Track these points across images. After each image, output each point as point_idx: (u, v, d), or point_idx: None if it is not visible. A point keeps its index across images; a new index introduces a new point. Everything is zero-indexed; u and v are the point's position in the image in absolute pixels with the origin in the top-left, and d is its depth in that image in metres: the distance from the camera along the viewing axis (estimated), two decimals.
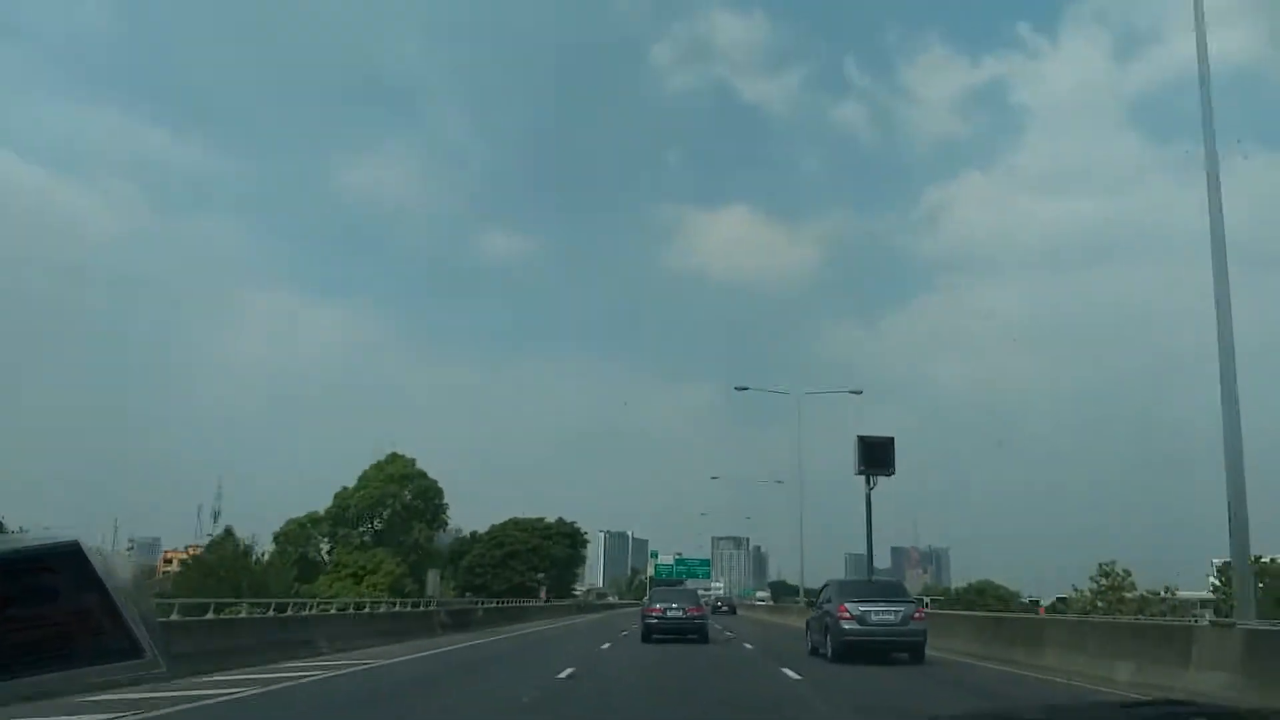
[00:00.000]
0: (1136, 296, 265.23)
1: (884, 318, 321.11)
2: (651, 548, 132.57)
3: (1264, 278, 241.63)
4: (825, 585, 18.68)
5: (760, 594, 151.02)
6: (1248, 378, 13.99)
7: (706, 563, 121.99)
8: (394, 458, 63.39)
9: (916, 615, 16.70)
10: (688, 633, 23.60)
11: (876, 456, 23.60)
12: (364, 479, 61.98)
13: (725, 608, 69.14)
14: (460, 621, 31.98)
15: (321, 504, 62.35)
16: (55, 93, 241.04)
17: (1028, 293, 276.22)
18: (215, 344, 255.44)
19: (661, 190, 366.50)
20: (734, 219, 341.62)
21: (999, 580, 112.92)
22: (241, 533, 38.61)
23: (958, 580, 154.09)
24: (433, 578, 40.13)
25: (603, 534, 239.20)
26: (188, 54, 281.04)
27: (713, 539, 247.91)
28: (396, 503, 61.72)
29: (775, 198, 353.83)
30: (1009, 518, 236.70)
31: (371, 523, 61.61)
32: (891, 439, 23.91)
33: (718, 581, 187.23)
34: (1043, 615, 34.58)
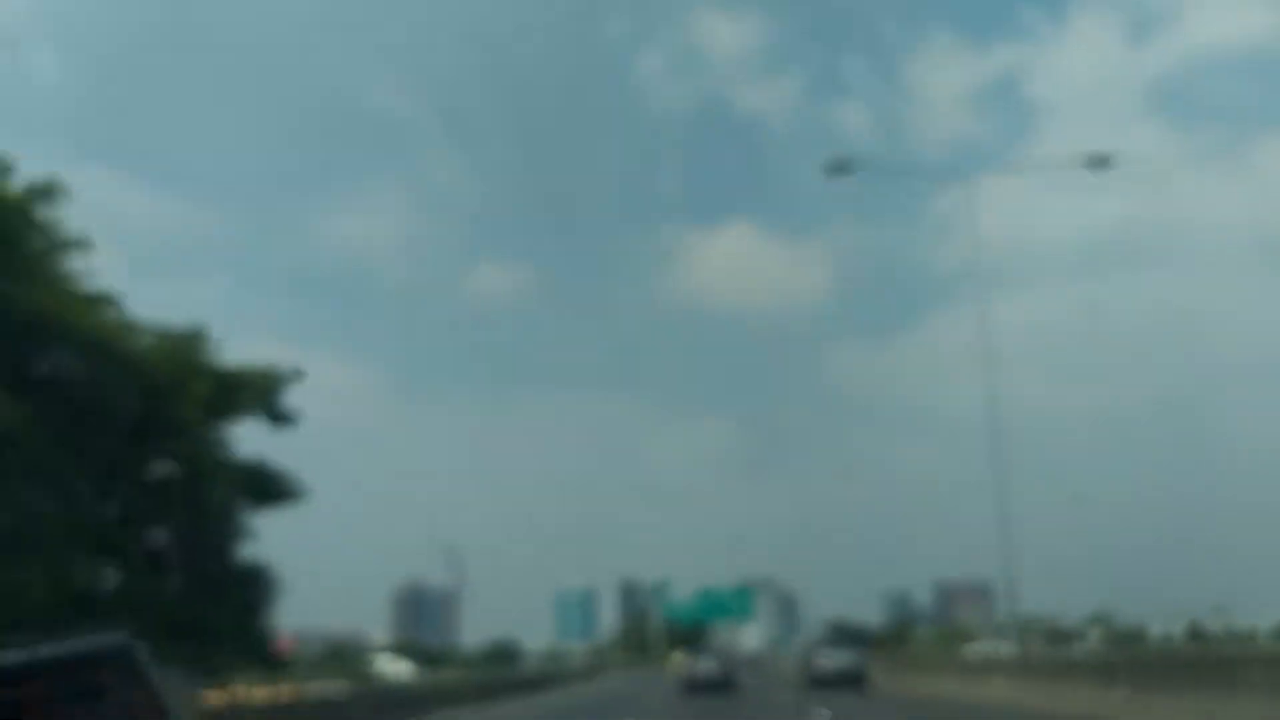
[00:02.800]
0: (1167, 300, 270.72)
1: (899, 333, 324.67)
2: (667, 594, 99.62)
3: None
4: (810, 642, 30.76)
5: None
6: None
7: (745, 594, 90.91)
8: None
9: (860, 657, 28.54)
10: (719, 686, 29.87)
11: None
12: None
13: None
14: None
15: None
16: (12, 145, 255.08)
17: (1051, 300, 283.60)
18: None
19: (658, 210, 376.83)
20: (735, 238, 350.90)
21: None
22: None
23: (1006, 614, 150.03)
24: None
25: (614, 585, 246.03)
26: (161, 106, 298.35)
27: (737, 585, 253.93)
28: None
29: (777, 212, 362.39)
30: (1048, 542, 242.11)
31: None
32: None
33: (748, 625, 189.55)
34: None
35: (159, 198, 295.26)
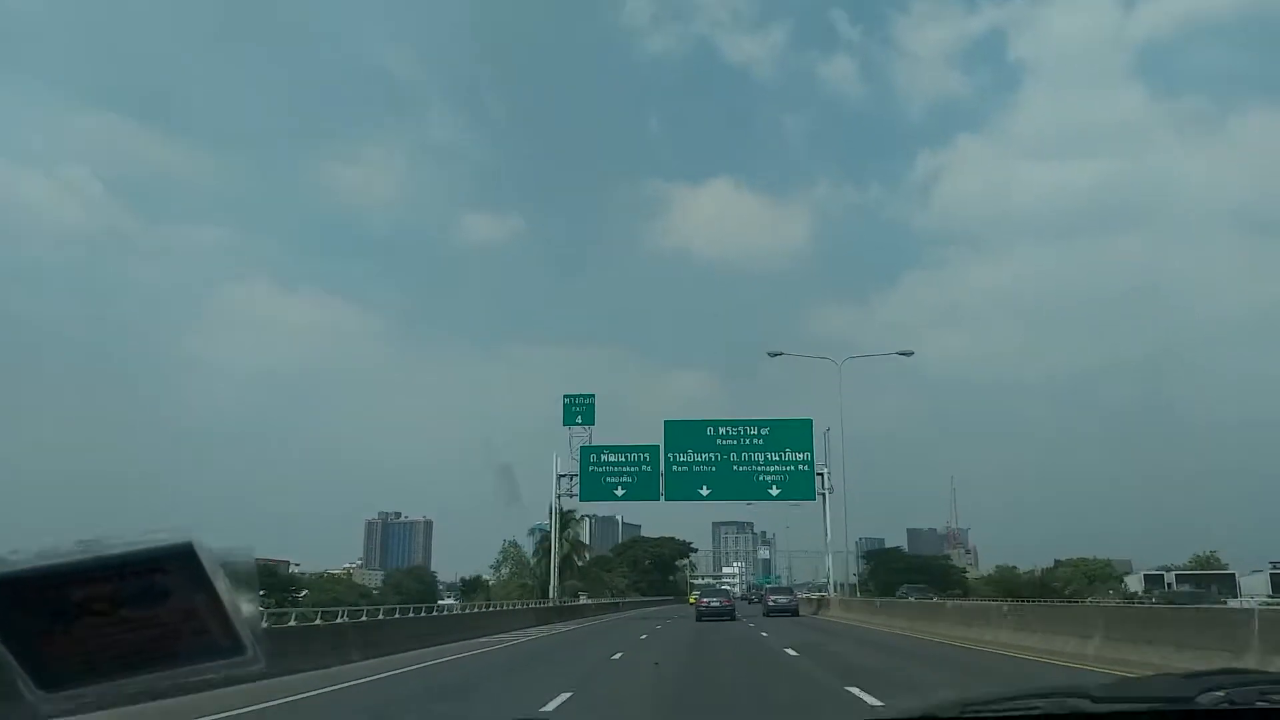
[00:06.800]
0: (1144, 266, 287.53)
1: (877, 294, 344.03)
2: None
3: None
4: (764, 587, 52.10)
5: (805, 583, 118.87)
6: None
7: (803, 426, 49.81)
8: None
9: (794, 598, 46.68)
10: (723, 615, 41.49)
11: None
12: None
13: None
14: None
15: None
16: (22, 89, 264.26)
17: (1028, 264, 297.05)
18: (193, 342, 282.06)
19: (644, 165, 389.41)
20: (718, 194, 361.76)
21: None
22: None
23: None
24: None
25: (588, 519, 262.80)
26: (168, 57, 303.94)
27: (713, 524, 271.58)
28: None
29: (761, 169, 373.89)
30: (1017, 494, 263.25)
31: None
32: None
33: (731, 566, 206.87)
34: None
35: (163, 145, 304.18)
